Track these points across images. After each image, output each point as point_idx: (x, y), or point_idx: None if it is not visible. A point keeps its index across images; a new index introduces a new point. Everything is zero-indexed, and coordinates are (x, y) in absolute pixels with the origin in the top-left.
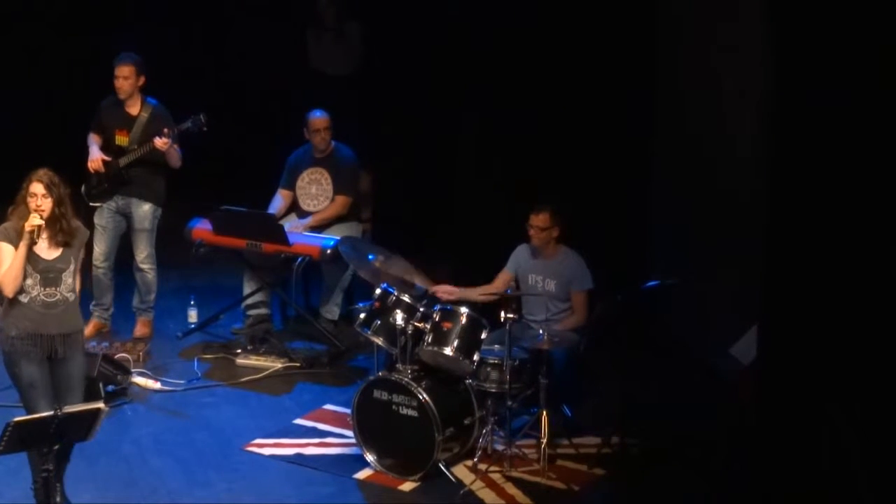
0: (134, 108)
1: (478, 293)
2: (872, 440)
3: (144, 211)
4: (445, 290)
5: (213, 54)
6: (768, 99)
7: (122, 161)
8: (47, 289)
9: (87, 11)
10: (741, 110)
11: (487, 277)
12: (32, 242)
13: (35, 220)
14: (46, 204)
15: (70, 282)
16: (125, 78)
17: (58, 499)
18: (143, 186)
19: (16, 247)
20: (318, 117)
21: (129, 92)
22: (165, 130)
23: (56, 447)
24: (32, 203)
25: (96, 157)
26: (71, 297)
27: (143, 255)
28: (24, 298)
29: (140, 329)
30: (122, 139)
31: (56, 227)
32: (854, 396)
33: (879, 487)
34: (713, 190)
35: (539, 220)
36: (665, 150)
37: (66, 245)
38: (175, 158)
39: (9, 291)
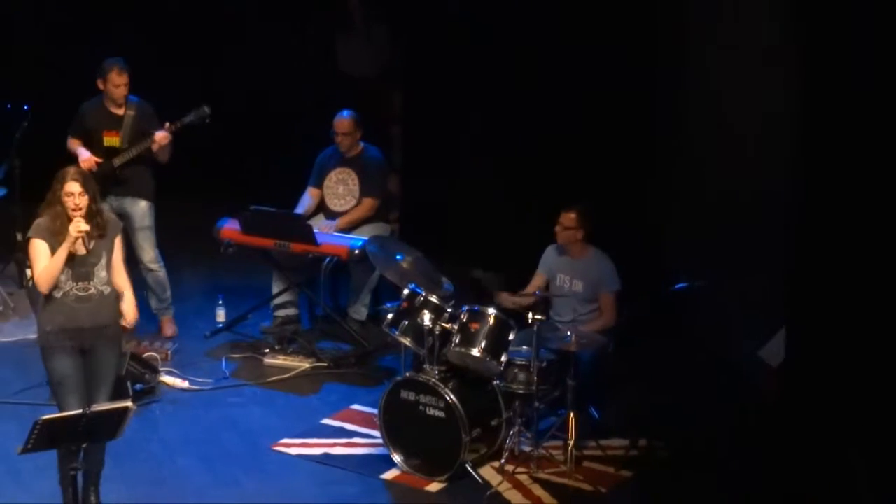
0: (119, 108)
1: (515, 300)
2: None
3: (142, 208)
4: (507, 299)
5: (242, 54)
6: (797, 99)
7: (117, 161)
8: (80, 283)
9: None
10: (772, 111)
11: (514, 278)
12: (82, 246)
13: (81, 225)
14: (84, 202)
15: (104, 275)
16: (125, 85)
17: (92, 498)
18: (136, 184)
19: (50, 245)
20: (341, 119)
21: (125, 97)
22: (167, 125)
23: (84, 446)
24: (70, 202)
25: (87, 158)
26: (106, 290)
27: (150, 255)
28: (57, 294)
29: (167, 329)
30: (112, 140)
31: (93, 222)
32: (882, 399)
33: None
34: (740, 190)
35: (567, 218)
36: (692, 151)
37: (99, 237)
38: (166, 154)
39: (44, 289)
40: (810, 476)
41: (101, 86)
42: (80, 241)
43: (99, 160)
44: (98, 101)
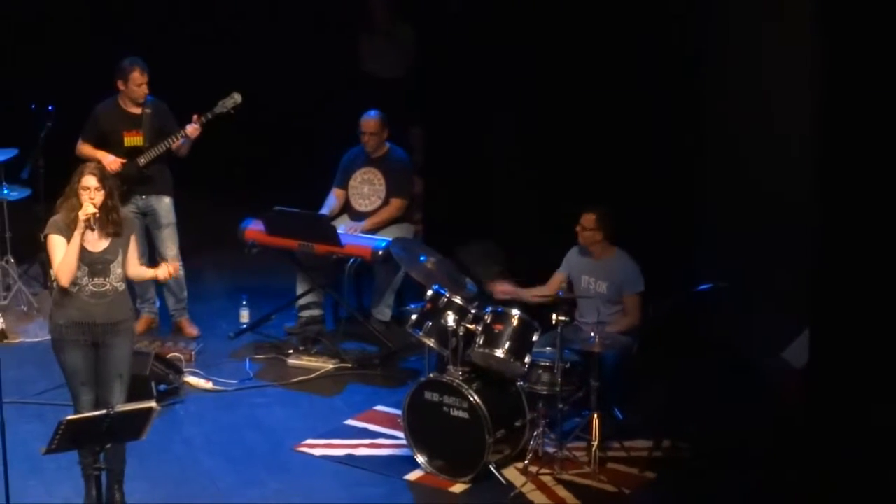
0: (137, 108)
1: (531, 294)
2: None
3: (166, 204)
4: (502, 289)
5: (266, 53)
6: (818, 99)
7: (142, 160)
8: (96, 279)
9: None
10: (790, 111)
11: (537, 279)
12: (89, 228)
13: (89, 208)
14: (99, 196)
15: (119, 272)
16: (146, 84)
17: (117, 497)
18: (159, 181)
19: (67, 238)
20: (368, 119)
21: (145, 96)
22: (196, 116)
23: (107, 446)
24: (85, 195)
25: (112, 160)
26: (120, 286)
27: (174, 252)
28: (73, 289)
29: (189, 330)
30: (134, 139)
31: (107, 218)
32: None
33: None
34: (763, 192)
35: (587, 219)
36: (714, 152)
37: (115, 235)
38: (186, 148)
39: (64, 281)
40: (834, 478)
41: (121, 86)
42: (90, 223)
43: (123, 161)
44: (112, 102)
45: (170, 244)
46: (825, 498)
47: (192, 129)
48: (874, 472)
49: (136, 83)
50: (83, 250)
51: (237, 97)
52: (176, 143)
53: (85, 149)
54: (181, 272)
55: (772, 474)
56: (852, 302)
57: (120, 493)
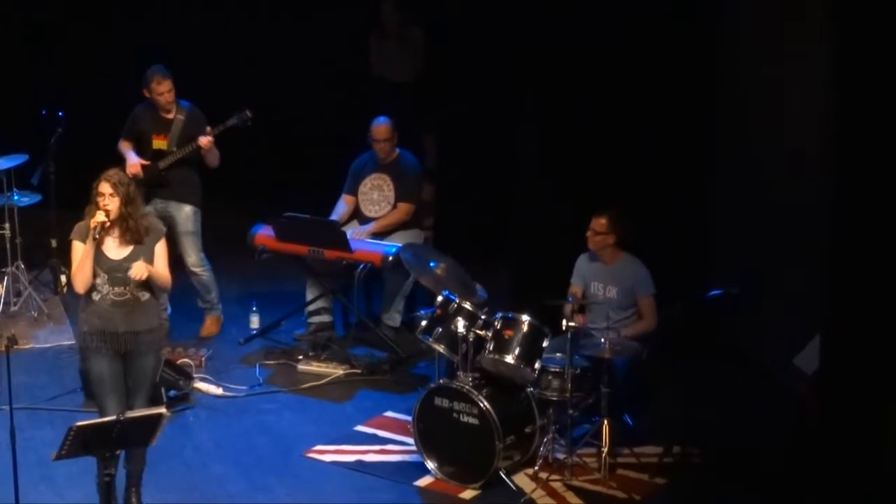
0: (169, 113)
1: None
2: None
3: (186, 213)
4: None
5: (277, 58)
6: (832, 105)
7: (162, 164)
8: (116, 287)
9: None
10: (805, 115)
11: (548, 285)
12: (94, 238)
13: (99, 216)
14: (113, 203)
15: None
16: (168, 91)
17: (133, 500)
18: (181, 188)
19: (85, 243)
20: (379, 125)
21: (172, 102)
22: (209, 129)
23: (118, 452)
24: (100, 202)
25: (135, 162)
26: (143, 296)
27: (193, 258)
28: (95, 296)
29: (207, 328)
30: (160, 143)
31: (124, 226)
32: None
33: None
34: (775, 198)
35: (598, 223)
36: (728, 158)
37: (136, 243)
38: (215, 157)
39: (79, 288)
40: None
41: (146, 94)
42: (96, 231)
43: (146, 163)
44: (149, 104)
45: (189, 251)
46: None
47: (205, 142)
48: (889, 481)
49: (157, 91)
50: (103, 257)
51: (248, 114)
52: (191, 150)
53: (122, 146)
54: (205, 277)
55: (783, 481)
56: (864, 308)
57: (137, 497)
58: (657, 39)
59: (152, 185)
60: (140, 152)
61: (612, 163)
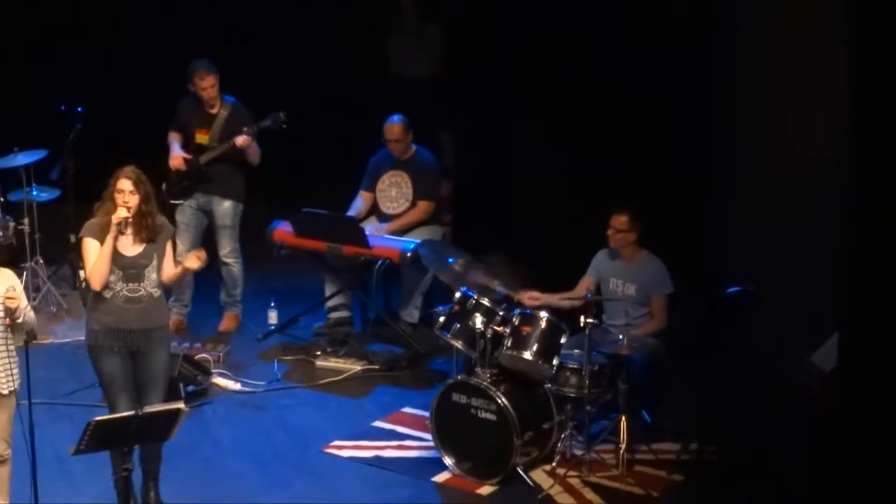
0: (213, 108)
1: (559, 299)
2: None
3: (225, 208)
4: (531, 297)
5: (298, 55)
6: (847, 103)
7: (203, 158)
8: (130, 284)
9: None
10: (819, 113)
11: (564, 282)
12: (120, 234)
13: (122, 212)
14: (133, 200)
15: (154, 277)
16: (212, 87)
17: (152, 495)
18: (223, 183)
19: (101, 241)
20: (391, 125)
21: (215, 97)
22: (246, 129)
23: (136, 447)
24: (120, 199)
25: (177, 155)
26: (156, 292)
27: (227, 249)
28: (107, 294)
29: (226, 323)
30: (202, 137)
31: (141, 223)
32: None
33: None
34: (792, 195)
35: (619, 221)
36: (743, 156)
37: (149, 241)
38: (255, 155)
39: (96, 285)
40: (864, 484)
41: (191, 88)
42: (121, 227)
43: (188, 157)
44: (195, 97)
45: (224, 242)
46: (853, 501)
47: (242, 140)
48: None
49: (200, 87)
50: (117, 254)
51: (282, 116)
52: (230, 147)
53: (171, 137)
54: (235, 269)
55: (800, 478)
56: (883, 306)
57: (155, 492)
58: (668, 38)
59: (194, 180)
60: (185, 145)
61: (627, 160)
